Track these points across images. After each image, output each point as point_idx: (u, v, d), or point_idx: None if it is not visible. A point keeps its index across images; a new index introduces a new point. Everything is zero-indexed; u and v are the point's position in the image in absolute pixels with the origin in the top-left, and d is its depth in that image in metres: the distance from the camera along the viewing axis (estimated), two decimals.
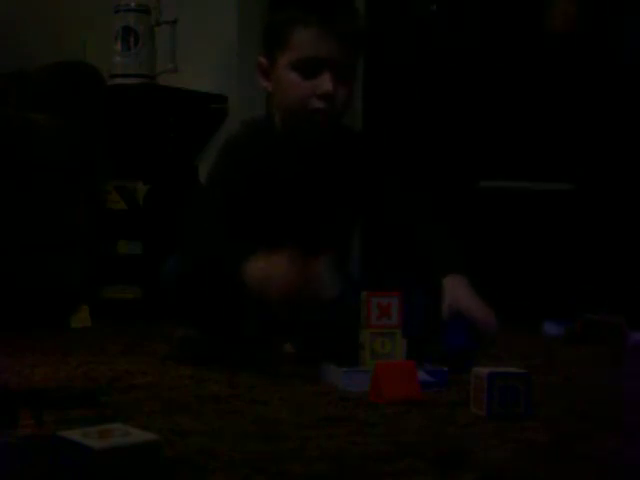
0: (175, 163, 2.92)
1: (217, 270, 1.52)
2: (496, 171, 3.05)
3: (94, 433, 0.77)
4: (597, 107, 3.01)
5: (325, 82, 1.58)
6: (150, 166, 2.86)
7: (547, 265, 2.94)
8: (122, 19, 2.89)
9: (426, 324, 1.55)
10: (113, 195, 2.77)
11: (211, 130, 3.03)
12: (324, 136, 1.66)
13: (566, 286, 2.86)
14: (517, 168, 3.05)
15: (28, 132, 2.36)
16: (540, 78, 3.07)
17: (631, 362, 1.86)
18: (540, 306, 2.81)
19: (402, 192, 1.75)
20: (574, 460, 0.92)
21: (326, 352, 1.48)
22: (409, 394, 1.25)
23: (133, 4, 2.89)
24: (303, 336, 1.64)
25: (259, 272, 1.44)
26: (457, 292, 1.60)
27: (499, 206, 3.01)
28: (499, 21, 3.13)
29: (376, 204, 1.73)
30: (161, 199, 2.82)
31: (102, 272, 2.67)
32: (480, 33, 3.13)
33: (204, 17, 3.04)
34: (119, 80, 2.87)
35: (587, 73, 3.01)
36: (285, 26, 1.61)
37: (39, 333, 2.20)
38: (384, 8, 3.27)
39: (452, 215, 2.93)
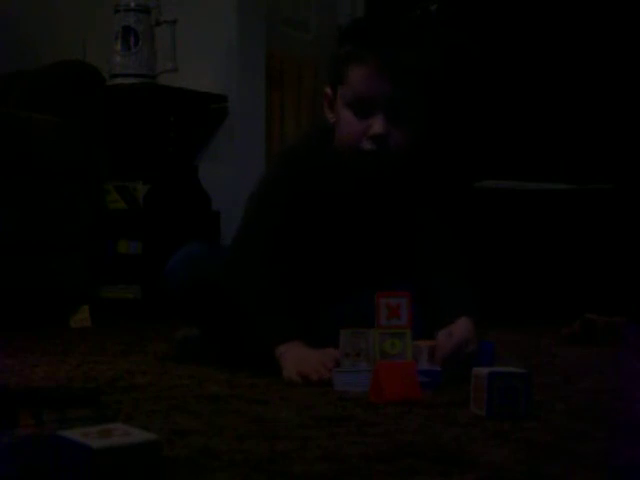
0: (175, 163, 2.92)
1: (247, 325, 1.53)
2: (496, 171, 3.05)
3: (94, 433, 0.77)
4: (597, 106, 3.01)
5: (376, 124, 1.52)
6: (150, 166, 2.86)
7: (547, 265, 2.94)
8: (122, 19, 2.90)
9: (424, 329, 1.54)
10: (113, 195, 2.77)
11: (211, 130, 3.04)
12: (374, 177, 1.61)
13: (566, 286, 2.86)
14: (517, 168, 3.05)
15: (28, 132, 2.36)
16: (540, 78, 3.07)
17: (631, 362, 1.86)
18: (540, 306, 2.81)
19: (434, 223, 1.69)
20: (574, 460, 0.92)
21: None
22: (409, 394, 1.25)
23: (133, 4, 2.89)
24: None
25: (294, 361, 1.44)
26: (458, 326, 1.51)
27: (499, 206, 3.01)
28: (499, 21, 3.13)
29: (410, 232, 1.68)
30: (161, 199, 2.82)
31: (102, 272, 2.67)
32: (480, 33, 3.13)
33: (204, 17, 3.04)
34: (119, 80, 2.87)
35: (587, 74, 3.01)
36: (343, 61, 1.56)
37: (39, 333, 2.20)
38: (384, 8, 3.27)
39: (453, 217, 2.93)
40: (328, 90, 1.62)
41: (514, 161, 3.06)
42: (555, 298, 2.82)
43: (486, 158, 3.08)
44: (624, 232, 2.87)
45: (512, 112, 3.08)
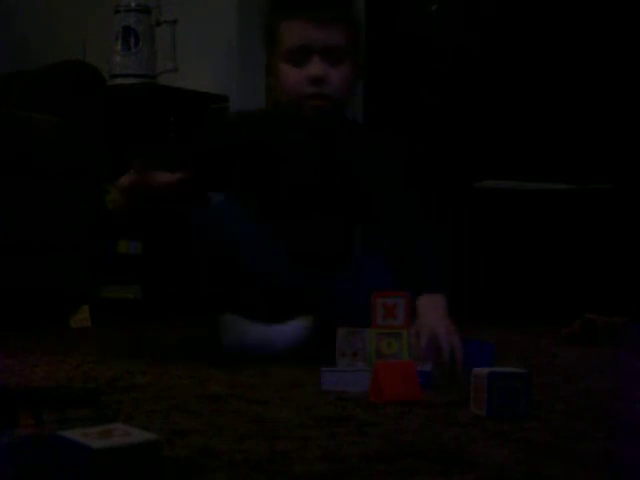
0: None
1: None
2: (496, 171, 3.06)
3: (94, 433, 0.77)
4: (597, 106, 3.01)
5: (313, 67, 1.64)
6: None
7: (547, 265, 2.94)
8: (122, 19, 2.90)
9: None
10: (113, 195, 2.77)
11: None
12: (324, 120, 1.70)
13: (566, 286, 2.86)
14: (517, 168, 3.05)
15: (28, 132, 2.36)
16: (540, 78, 3.07)
17: (631, 362, 1.86)
18: (540, 306, 2.81)
19: (402, 192, 1.75)
20: (574, 460, 0.92)
21: (344, 321, 1.45)
22: (409, 394, 1.25)
23: (133, 4, 2.90)
24: (322, 308, 1.63)
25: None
26: (426, 313, 1.52)
27: (499, 206, 3.01)
28: (499, 21, 3.13)
29: (374, 202, 1.73)
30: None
31: (102, 272, 2.67)
32: (480, 33, 3.13)
33: (204, 17, 3.04)
34: (119, 80, 2.87)
35: (586, 74, 3.01)
36: (272, 22, 1.70)
37: (39, 333, 2.20)
38: (384, 8, 3.27)
39: (450, 216, 2.93)
40: (267, 58, 1.76)
41: (514, 161, 3.06)
42: (555, 298, 2.82)
43: (486, 158, 3.08)
44: (624, 232, 2.87)
45: (512, 112, 3.08)
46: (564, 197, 2.96)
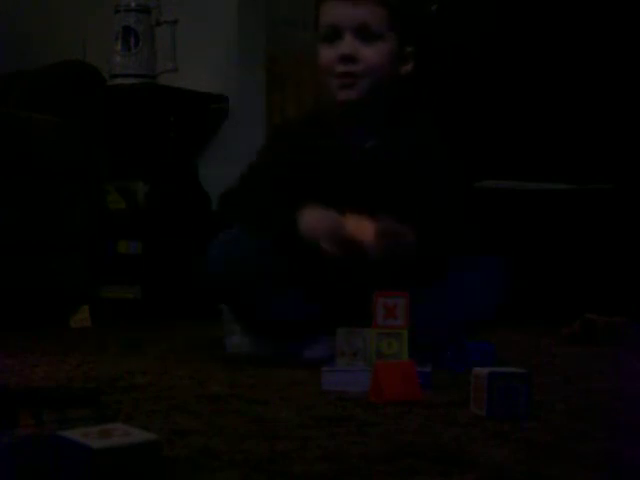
0: (175, 163, 2.92)
1: (264, 225, 1.61)
2: (496, 171, 3.05)
3: (94, 433, 0.77)
4: (597, 106, 3.01)
5: (343, 44, 1.63)
6: (150, 166, 2.86)
7: (547, 265, 2.94)
8: (122, 19, 2.90)
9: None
10: (113, 195, 2.77)
11: (211, 130, 3.03)
12: (357, 99, 1.67)
13: (566, 286, 2.86)
14: (517, 168, 3.05)
15: (28, 132, 2.36)
16: (540, 78, 3.07)
17: (631, 362, 1.86)
18: (540, 306, 2.81)
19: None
20: (574, 460, 0.92)
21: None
22: (409, 394, 1.25)
23: (133, 4, 2.89)
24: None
25: (314, 218, 1.54)
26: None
27: (499, 206, 3.01)
28: (499, 21, 3.13)
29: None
30: (161, 199, 2.82)
31: (102, 272, 2.67)
32: (480, 33, 3.13)
33: (204, 17, 3.04)
34: (119, 80, 2.87)
35: (586, 73, 3.01)
36: (315, 9, 1.71)
37: (39, 333, 2.20)
38: None
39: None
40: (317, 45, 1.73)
41: (514, 161, 3.06)
42: (555, 298, 2.82)
43: (486, 158, 3.08)
44: (624, 232, 2.87)
45: (512, 112, 3.08)
46: (564, 197, 2.96)
